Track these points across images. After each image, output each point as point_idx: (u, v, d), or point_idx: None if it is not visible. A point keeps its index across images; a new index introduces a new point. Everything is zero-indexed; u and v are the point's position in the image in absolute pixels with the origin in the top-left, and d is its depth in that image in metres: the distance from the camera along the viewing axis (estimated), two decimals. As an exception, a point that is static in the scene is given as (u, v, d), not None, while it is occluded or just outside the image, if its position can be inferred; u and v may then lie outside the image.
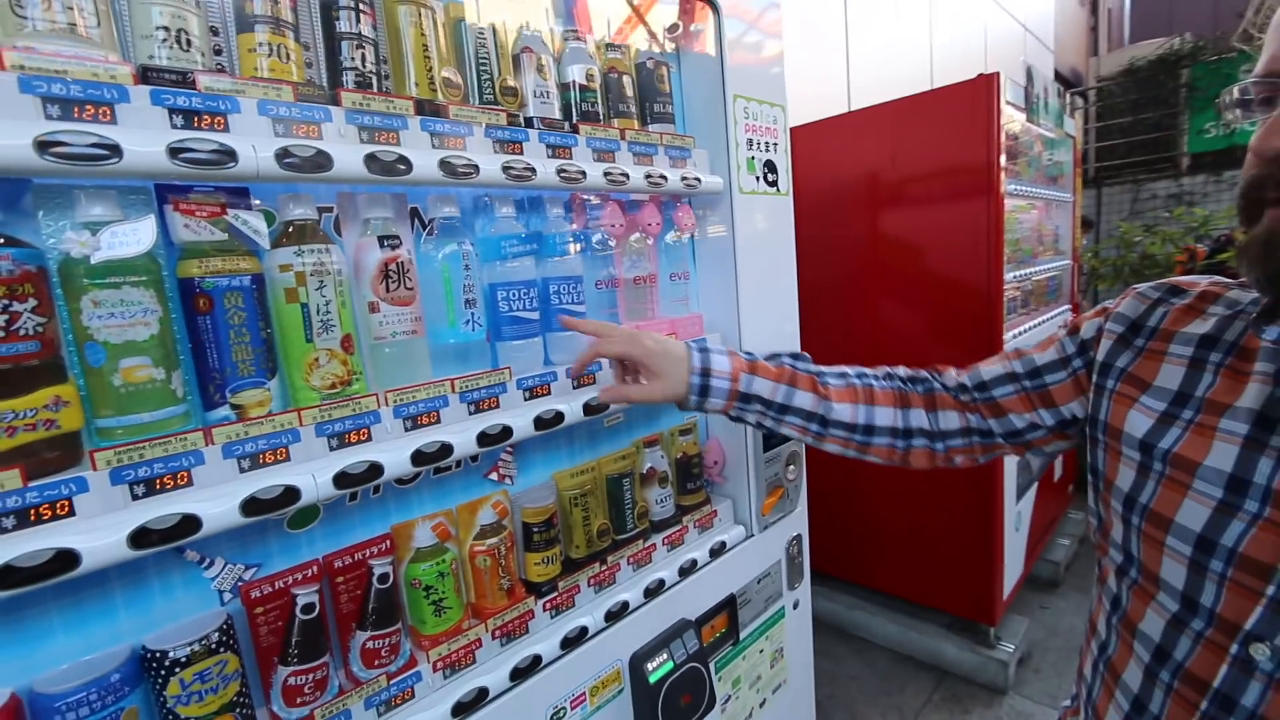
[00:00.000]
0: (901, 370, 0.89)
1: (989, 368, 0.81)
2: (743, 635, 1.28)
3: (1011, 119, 2.28)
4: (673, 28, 1.23)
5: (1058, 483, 3.02)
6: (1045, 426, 0.76)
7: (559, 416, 0.93)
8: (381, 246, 0.79)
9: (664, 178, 1.07)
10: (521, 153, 0.91)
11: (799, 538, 1.43)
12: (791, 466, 1.38)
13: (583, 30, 1.10)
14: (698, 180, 1.14)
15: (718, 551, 1.22)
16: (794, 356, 0.88)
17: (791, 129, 2.55)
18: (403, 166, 0.76)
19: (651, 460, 1.17)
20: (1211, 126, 5.86)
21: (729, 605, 1.25)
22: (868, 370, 0.88)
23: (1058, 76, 6.49)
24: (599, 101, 1.05)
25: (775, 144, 1.31)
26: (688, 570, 1.16)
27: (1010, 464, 2.27)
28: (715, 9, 1.18)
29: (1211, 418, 0.58)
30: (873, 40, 3.61)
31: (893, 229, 2.38)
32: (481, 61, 0.90)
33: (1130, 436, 0.64)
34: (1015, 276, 2.42)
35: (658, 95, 1.14)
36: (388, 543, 0.85)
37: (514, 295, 0.93)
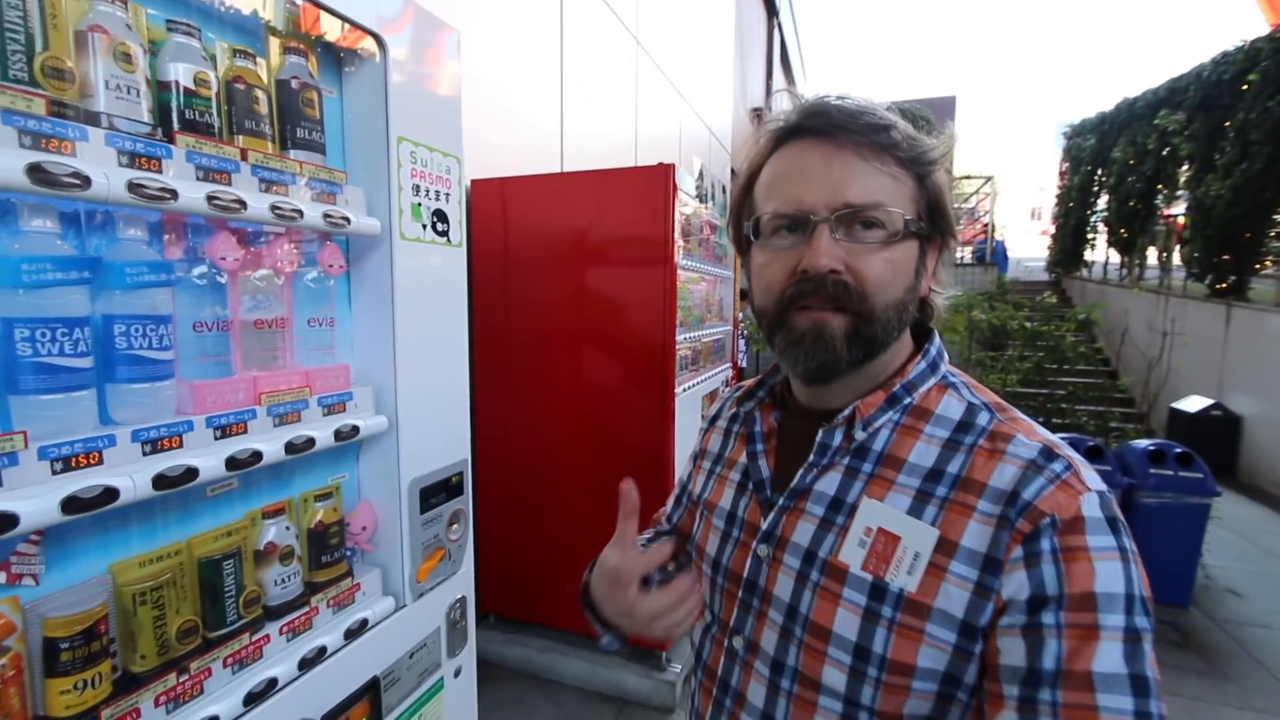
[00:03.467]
0: None
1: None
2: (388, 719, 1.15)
3: (685, 204, 2.66)
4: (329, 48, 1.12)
5: (721, 514, 3.51)
6: None
7: (110, 493, 0.73)
8: None
9: (299, 212, 0.95)
10: (71, 154, 0.71)
11: (463, 600, 1.37)
12: (455, 525, 1.32)
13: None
14: (346, 219, 1.04)
15: (355, 632, 1.08)
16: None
17: (506, 180, 2.62)
18: None
19: (273, 534, 1.00)
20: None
21: (371, 690, 1.11)
22: None
23: (734, 174, 7.96)
24: (214, 113, 0.89)
25: (448, 194, 1.29)
26: (312, 661, 1.00)
27: (678, 503, 2.56)
28: (381, 45, 1.12)
29: (727, 470, 0.76)
30: (584, 114, 3.94)
31: (592, 285, 2.56)
32: (9, 27, 0.69)
33: (695, 495, 0.82)
34: (686, 338, 2.78)
35: (303, 120, 1.02)
36: None
37: (41, 334, 0.70)
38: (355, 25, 1.08)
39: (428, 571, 1.24)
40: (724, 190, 3.73)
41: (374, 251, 1.15)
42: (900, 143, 0.59)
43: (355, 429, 1.07)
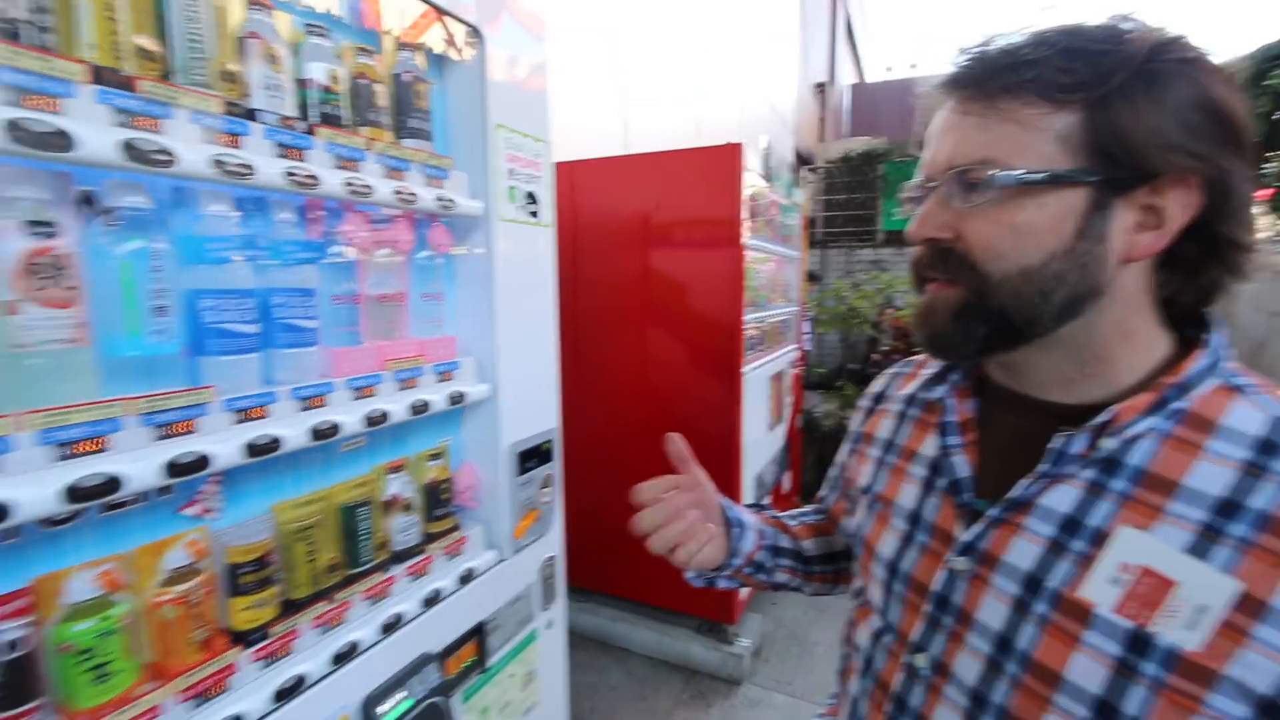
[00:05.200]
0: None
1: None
2: (492, 662, 1.26)
3: (753, 184, 2.66)
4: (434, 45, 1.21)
5: (787, 494, 3.53)
6: None
7: (276, 443, 0.84)
8: (29, 234, 0.65)
9: (415, 195, 1.05)
10: (239, 146, 0.82)
11: (553, 559, 1.47)
12: (547, 489, 1.42)
13: (370, 22, 1.03)
14: (453, 201, 1.13)
15: (466, 579, 1.19)
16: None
17: (574, 163, 2.70)
18: (62, 141, 0.64)
19: (396, 487, 1.11)
20: (897, 211, 7.53)
21: (477, 633, 1.22)
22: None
23: (797, 154, 7.81)
24: (344, 106, 1.00)
25: (538, 176, 1.36)
26: (432, 601, 1.11)
27: (747, 480, 2.61)
28: (480, 37, 1.20)
29: (904, 462, 0.68)
30: (647, 91, 3.97)
31: (659, 266, 2.61)
32: (192, 37, 0.80)
33: (860, 485, 0.74)
34: (754, 318, 2.80)
35: (415, 111, 1.12)
36: (26, 600, 0.68)
37: (223, 305, 0.82)
38: (458, 19, 1.17)
39: (524, 529, 1.34)
40: (789, 168, 3.69)
41: (475, 231, 1.24)
42: (1042, 75, 0.48)
43: (463, 395, 1.17)
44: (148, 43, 0.76)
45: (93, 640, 0.71)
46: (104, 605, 0.73)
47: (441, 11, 1.14)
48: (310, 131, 0.93)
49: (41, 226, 0.66)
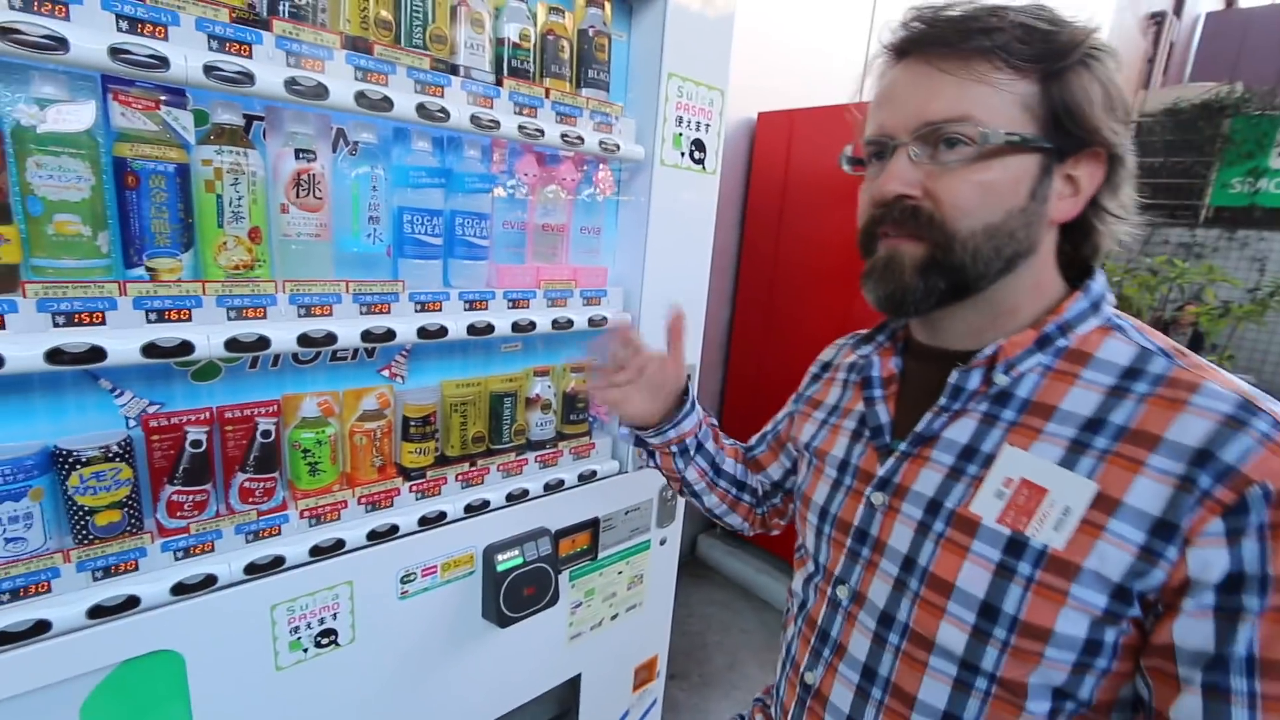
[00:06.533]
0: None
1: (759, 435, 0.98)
2: (602, 554, 1.46)
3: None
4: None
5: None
6: (787, 468, 0.93)
7: (443, 330, 1.09)
8: (297, 158, 0.93)
9: (580, 139, 1.20)
10: (442, 96, 1.04)
11: (674, 483, 1.60)
12: (676, 419, 1.54)
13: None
14: (617, 146, 1.26)
15: (587, 478, 1.39)
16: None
17: (794, 112, 2.64)
18: (320, 92, 0.90)
19: (539, 388, 1.33)
20: (1238, 182, 5.75)
21: (592, 526, 1.43)
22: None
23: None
24: (531, 60, 1.17)
25: (708, 124, 1.42)
26: (554, 488, 1.33)
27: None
28: (663, -12, 1.28)
29: (840, 419, 0.75)
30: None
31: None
32: (416, 8, 1.02)
33: (802, 442, 0.81)
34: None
35: (594, 63, 1.25)
36: (276, 407, 1.02)
37: (417, 220, 1.07)
38: (645, -26, 1.25)
39: (647, 450, 1.48)
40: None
41: (638, 174, 1.36)
42: (1008, 43, 0.52)
43: (604, 319, 1.33)
44: (386, 14, 0.99)
45: (312, 444, 1.03)
46: (321, 423, 1.05)
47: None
48: (499, 82, 1.12)
49: (306, 153, 0.94)
